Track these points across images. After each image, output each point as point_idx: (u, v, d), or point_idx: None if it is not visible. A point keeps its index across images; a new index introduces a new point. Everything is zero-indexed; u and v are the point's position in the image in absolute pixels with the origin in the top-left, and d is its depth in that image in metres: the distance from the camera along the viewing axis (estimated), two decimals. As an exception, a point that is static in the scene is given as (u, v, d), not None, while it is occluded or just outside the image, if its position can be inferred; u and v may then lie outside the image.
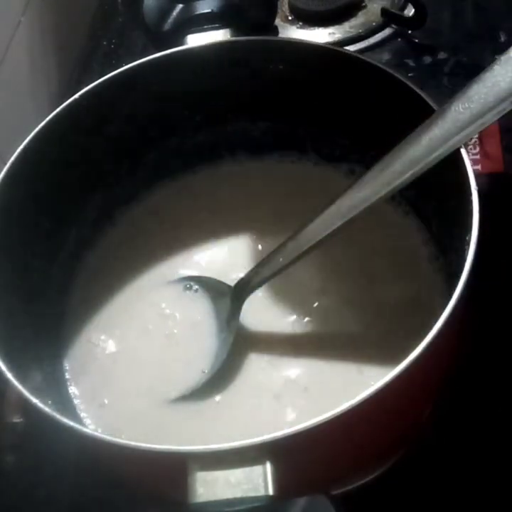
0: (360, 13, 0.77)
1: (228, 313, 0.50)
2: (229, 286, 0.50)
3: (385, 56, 0.74)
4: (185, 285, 0.53)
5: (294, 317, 0.50)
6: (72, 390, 0.49)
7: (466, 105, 0.38)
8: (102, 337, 0.52)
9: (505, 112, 0.38)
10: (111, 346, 0.51)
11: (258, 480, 0.33)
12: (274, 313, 0.51)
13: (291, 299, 0.51)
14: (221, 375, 0.48)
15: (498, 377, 0.52)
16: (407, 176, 0.40)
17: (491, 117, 0.38)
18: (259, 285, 0.48)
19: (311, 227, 0.44)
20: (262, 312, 0.51)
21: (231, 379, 0.48)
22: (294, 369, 0.48)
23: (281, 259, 0.46)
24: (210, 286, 0.52)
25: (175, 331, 0.51)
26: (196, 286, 0.52)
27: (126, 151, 0.55)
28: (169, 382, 0.49)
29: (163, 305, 0.52)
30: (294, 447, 0.35)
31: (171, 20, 0.68)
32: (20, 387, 0.38)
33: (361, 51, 0.73)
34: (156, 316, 0.52)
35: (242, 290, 0.49)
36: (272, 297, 0.51)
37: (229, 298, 0.50)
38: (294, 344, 0.49)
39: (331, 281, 0.51)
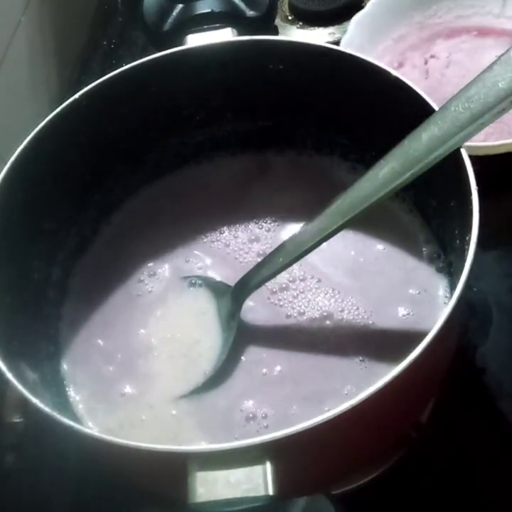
0: (360, 13, 0.77)
1: (228, 313, 0.50)
2: (229, 286, 0.50)
3: (385, 56, 0.74)
4: (190, 281, 0.53)
5: (293, 314, 0.50)
6: (72, 389, 0.49)
7: (466, 105, 0.38)
8: (102, 337, 0.51)
9: (505, 112, 0.38)
10: (110, 346, 0.51)
11: (258, 480, 0.33)
12: (274, 311, 0.50)
13: (290, 295, 0.51)
14: (221, 373, 0.48)
15: (498, 376, 0.52)
16: (407, 175, 0.40)
17: (491, 117, 0.38)
18: (258, 285, 0.48)
19: (311, 227, 0.44)
20: (262, 310, 0.51)
21: (231, 375, 0.48)
22: (294, 367, 0.48)
23: (280, 259, 0.46)
24: (210, 286, 0.52)
25: (177, 330, 0.51)
26: (200, 282, 0.53)
27: (126, 151, 0.55)
28: (169, 382, 0.49)
29: (165, 303, 0.52)
30: (294, 447, 0.35)
31: (171, 20, 0.68)
32: (20, 387, 0.38)
33: (361, 51, 0.73)
34: (158, 314, 0.52)
35: (241, 290, 0.49)
36: (272, 295, 0.51)
37: (229, 298, 0.50)
38: (294, 341, 0.49)
39: (329, 277, 0.51)
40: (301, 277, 0.51)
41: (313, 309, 0.50)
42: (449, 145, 0.39)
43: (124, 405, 0.48)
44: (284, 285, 0.51)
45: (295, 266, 0.51)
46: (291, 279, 0.51)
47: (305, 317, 0.50)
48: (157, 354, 0.50)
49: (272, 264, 0.47)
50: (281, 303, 0.51)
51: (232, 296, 0.49)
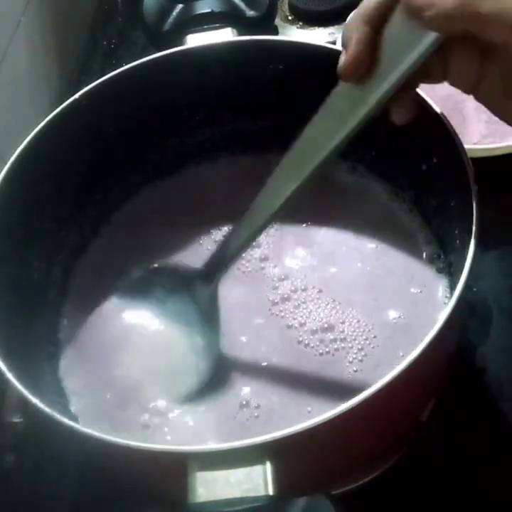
0: (360, 13, 0.77)
1: (206, 300, 0.49)
2: (199, 269, 0.49)
3: (385, 56, 0.74)
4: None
5: (294, 324, 0.50)
6: (72, 389, 0.49)
7: None
8: (101, 337, 0.51)
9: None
10: (110, 346, 0.51)
11: (258, 480, 0.33)
12: (275, 321, 0.50)
13: (291, 305, 0.51)
14: (217, 375, 0.48)
15: (498, 377, 0.52)
16: (357, 121, 0.39)
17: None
18: (230, 261, 0.47)
19: (267, 191, 0.43)
20: (262, 320, 0.50)
21: (228, 378, 0.48)
22: (293, 374, 0.48)
23: (248, 229, 0.44)
24: (180, 276, 0.51)
25: (175, 329, 0.51)
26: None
27: (126, 151, 0.55)
28: (169, 382, 0.48)
29: (163, 303, 0.52)
30: (294, 447, 0.35)
31: (171, 20, 0.68)
32: (20, 387, 0.38)
33: (361, 51, 0.73)
34: (157, 315, 0.52)
35: (214, 270, 0.47)
36: (273, 306, 0.51)
37: (202, 282, 0.48)
38: (293, 351, 0.49)
39: (330, 279, 0.51)
40: (302, 287, 0.51)
41: (315, 320, 0.50)
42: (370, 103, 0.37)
43: (124, 405, 0.48)
44: (285, 295, 0.51)
45: (297, 275, 0.51)
46: (293, 288, 0.51)
47: (306, 328, 0.49)
48: (158, 354, 0.50)
49: (240, 237, 0.45)
50: (283, 314, 0.50)
51: (205, 279, 0.48)
